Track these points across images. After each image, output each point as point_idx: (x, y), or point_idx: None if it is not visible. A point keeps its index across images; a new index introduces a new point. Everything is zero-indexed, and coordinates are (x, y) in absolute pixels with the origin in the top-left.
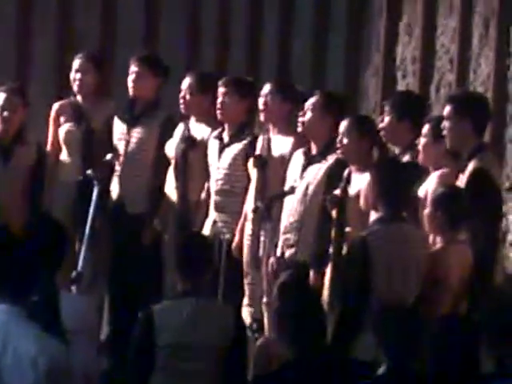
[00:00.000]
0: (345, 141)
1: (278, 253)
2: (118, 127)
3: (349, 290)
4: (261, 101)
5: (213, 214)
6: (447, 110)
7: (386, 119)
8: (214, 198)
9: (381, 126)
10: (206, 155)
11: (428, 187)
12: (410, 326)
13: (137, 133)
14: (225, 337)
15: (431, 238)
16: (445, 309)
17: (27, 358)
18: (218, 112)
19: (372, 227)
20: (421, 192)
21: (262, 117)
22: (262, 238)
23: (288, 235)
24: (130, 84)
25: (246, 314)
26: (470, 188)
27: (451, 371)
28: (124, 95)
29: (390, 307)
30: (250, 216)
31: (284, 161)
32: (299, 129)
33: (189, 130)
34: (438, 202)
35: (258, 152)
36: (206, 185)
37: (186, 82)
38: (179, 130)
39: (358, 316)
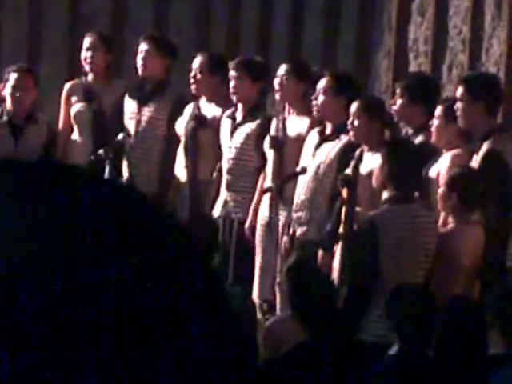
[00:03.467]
0: (355, 123)
1: (291, 231)
2: (129, 106)
3: (357, 270)
4: (276, 81)
5: (224, 194)
6: (460, 91)
7: (399, 102)
8: (225, 177)
9: (393, 108)
10: (216, 134)
11: (441, 168)
12: (423, 307)
13: (148, 111)
14: None
15: (442, 218)
16: (457, 290)
17: None
18: (232, 94)
19: (381, 207)
20: (433, 172)
21: (277, 97)
22: (276, 218)
23: (299, 213)
24: (139, 63)
25: (257, 294)
26: (483, 169)
27: (459, 352)
28: (134, 78)
29: (402, 288)
30: (265, 196)
31: (300, 141)
32: (314, 113)
33: (199, 109)
34: (453, 182)
35: (272, 132)
36: (217, 164)
37: (197, 62)
38: (189, 108)
39: (365, 296)
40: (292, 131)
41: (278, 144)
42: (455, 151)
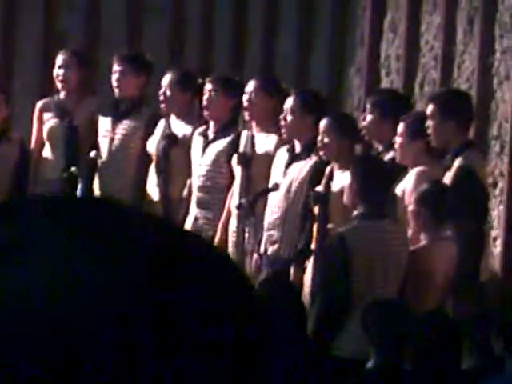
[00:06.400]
0: (325, 140)
1: (262, 249)
2: (103, 124)
3: (328, 287)
4: (245, 98)
5: (194, 211)
6: (430, 109)
7: (369, 117)
8: (196, 194)
9: (363, 123)
10: (187, 152)
11: (406, 185)
12: (400, 321)
13: (122, 129)
14: None
15: (410, 234)
16: (431, 305)
17: None
18: (204, 109)
19: (351, 224)
20: (398, 190)
21: (245, 114)
22: (245, 235)
23: (271, 231)
24: (114, 83)
25: None
26: (456, 186)
27: (435, 366)
28: (108, 94)
29: (379, 302)
30: (235, 213)
31: (268, 158)
32: (282, 132)
33: (170, 127)
34: (423, 198)
35: (241, 149)
36: (188, 181)
37: (167, 79)
38: (160, 126)
39: (337, 313)
40: (260, 148)
41: (246, 160)
42: (420, 168)
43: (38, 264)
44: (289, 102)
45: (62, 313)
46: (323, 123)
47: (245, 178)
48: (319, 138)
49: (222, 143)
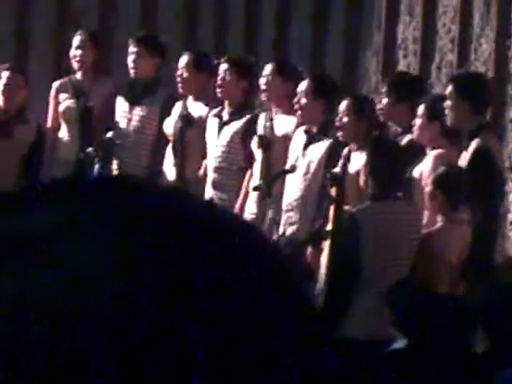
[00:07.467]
0: (344, 120)
1: (280, 231)
2: (121, 106)
3: (339, 267)
4: (262, 81)
5: (210, 192)
6: (449, 89)
7: (384, 100)
8: (211, 175)
9: (378, 106)
10: (203, 133)
11: (423, 168)
12: (426, 302)
13: (139, 111)
14: None
15: (428, 216)
16: (443, 288)
17: None
18: (218, 89)
19: (362, 205)
20: (416, 172)
21: (263, 96)
22: (263, 217)
23: (290, 213)
24: (130, 64)
25: None
26: (472, 167)
27: (447, 351)
28: (122, 75)
29: (403, 283)
30: (252, 194)
31: (287, 140)
32: (297, 115)
33: (186, 109)
34: (439, 181)
35: (260, 132)
36: (203, 163)
37: (183, 61)
38: (177, 108)
39: (346, 293)
40: (279, 131)
41: (266, 143)
42: (438, 151)
43: (49, 260)
44: (302, 86)
45: (76, 310)
46: (344, 103)
47: (265, 160)
48: (338, 117)
49: (236, 125)
